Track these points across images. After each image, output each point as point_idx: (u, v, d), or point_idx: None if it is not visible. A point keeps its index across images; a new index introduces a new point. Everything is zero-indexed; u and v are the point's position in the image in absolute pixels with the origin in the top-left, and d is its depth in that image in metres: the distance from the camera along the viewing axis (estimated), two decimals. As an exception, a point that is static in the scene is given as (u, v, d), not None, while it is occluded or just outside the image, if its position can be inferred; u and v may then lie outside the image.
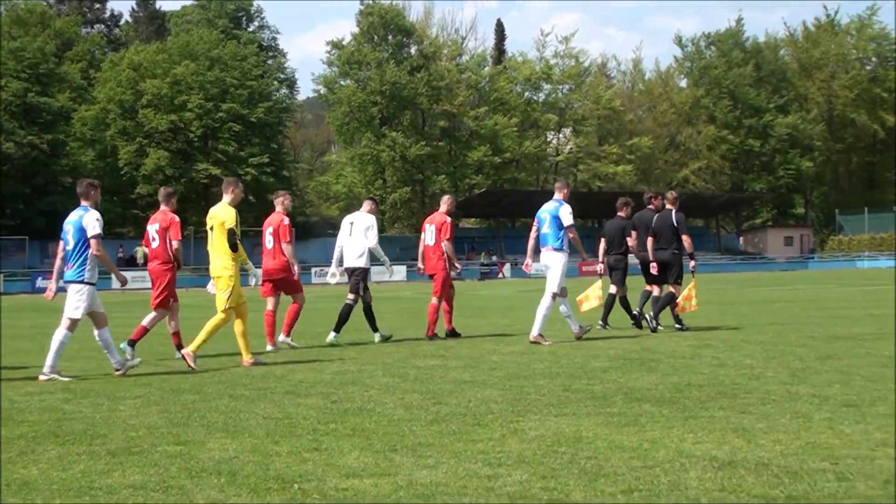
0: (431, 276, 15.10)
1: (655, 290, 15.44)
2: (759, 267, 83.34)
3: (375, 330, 14.88)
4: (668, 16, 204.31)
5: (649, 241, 15.28)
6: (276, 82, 79.95)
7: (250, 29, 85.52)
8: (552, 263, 13.77)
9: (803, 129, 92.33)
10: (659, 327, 15.11)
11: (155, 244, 12.63)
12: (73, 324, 10.91)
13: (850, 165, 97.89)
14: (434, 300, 14.95)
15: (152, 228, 12.69)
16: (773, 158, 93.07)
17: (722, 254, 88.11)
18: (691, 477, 5.33)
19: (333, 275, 15.29)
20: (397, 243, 78.85)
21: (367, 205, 15.10)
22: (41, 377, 10.65)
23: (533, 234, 14.24)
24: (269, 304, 14.13)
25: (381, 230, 70.10)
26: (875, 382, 8.55)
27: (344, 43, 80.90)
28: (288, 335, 14.08)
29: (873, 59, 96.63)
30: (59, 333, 10.82)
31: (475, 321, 18.86)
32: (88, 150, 67.62)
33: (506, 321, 19.07)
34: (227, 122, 68.60)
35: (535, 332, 13.49)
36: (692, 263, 15.38)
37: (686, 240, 15.15)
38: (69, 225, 11.09)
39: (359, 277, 14.71)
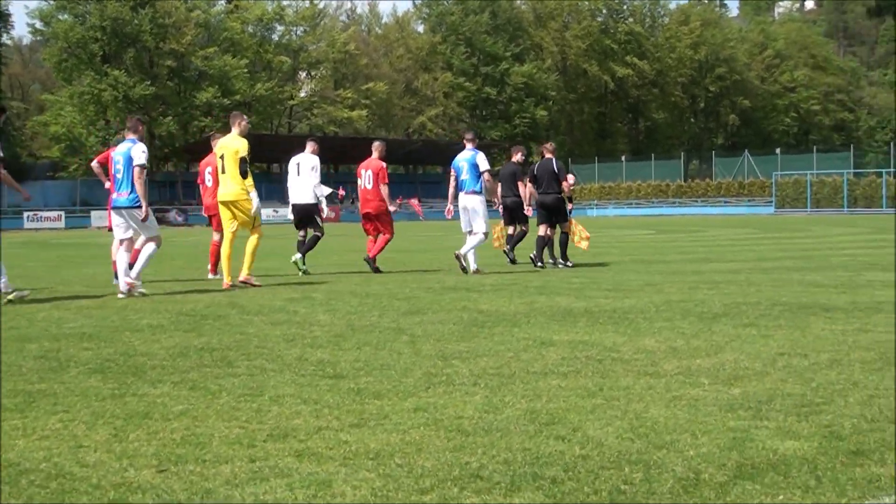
0: (372, 217, 17.03)
1: (542, 231, 17.38)
2: (493, 214, 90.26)
3: (302, 256, 16.53)
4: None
5: (529, 185, 17.50)
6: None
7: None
8: (475, 206, 15.98)
9: (539, 79, 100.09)
10: (568, 264, 17.46)
11: None
12: (158, 239, 13.03)
13: (583, 115, 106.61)
14: (388, 235, 17.01)
15: None
16: (509, 107, 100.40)
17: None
18: None
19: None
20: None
21: (310, 146, 16.78)
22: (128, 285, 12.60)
23: (452, 183, 16.40)
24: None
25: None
26: (412, 346, 8.03)
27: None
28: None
29: (604, 10, 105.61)
30: (149, 247, 12.88)
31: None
32: None
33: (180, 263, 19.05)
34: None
35: (473, 266, 15.84)
36: (569, 206, 17.65)
37: (564, 184, 17.37)
38: (119, 155, 12.72)
39: (310, 213, 16.61)
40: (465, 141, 16.80)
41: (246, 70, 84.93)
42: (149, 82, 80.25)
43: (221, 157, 13.99)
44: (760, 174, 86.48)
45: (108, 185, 14.12)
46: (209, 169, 15.79)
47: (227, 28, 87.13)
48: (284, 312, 10.82)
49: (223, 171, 13.91)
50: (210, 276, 15.91)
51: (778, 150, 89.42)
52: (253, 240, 14.08)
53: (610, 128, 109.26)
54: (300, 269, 16.33)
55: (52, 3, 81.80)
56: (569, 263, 17.51)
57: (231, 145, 13.87)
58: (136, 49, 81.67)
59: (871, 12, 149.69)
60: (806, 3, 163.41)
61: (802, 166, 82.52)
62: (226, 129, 14.89)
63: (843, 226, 44.20)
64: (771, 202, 79.62)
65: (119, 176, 12.51)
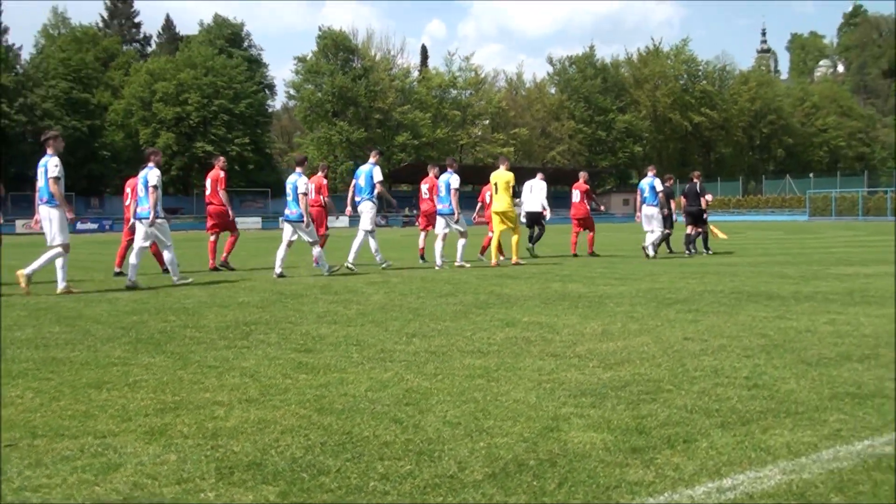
0: (580, 220, 17.67)
1: (690, 230, 18.01)
2: (602, 220, 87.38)
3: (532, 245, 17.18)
4: (562, 46, 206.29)
5: (682, 200, 18.27)
6: (256, 86, 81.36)
7: (243, 46, 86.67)
8: (653, 214, 16.26)
9: (636, 125, 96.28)
10: (709, 251, 17.83)
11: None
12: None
13: (668, 150, 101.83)
14: (591, 233, 17.64)
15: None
16: (615, 144, 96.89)
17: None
18: None
19: (520, 215, 17.05)
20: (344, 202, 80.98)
21: (539, 175, 17.19)
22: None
23: (639, 199, 16.68)
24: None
25: (332, 191, 73.62)
26: (406, 324, 6.23)
27: (307, 58, 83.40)
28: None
29: (685, 75, 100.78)
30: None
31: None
32: (119, 132, 69.87)
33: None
34: (219, 113, 71.06)
35: (650, 252, 16.21)
36: (705, 215, 17.93)
37: (703, 201, 17.72)
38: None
39: (536, 218, 17.03)
40: (647, 170, 17.04)
41: (429, 120, 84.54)
42: (363, 129, 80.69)
43: (496, 184, 14.60)
44: (798, 192, 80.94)
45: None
46: (489, 193, 15.90)
47: (417, 92, 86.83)
48: (354, 293, 9.74)
49: (496, 192, 14.58)
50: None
51: (811, 175, 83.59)
52: (515, 237, 14.73)
53: (688, 159, 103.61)
54: (532, 255, 16.92)
55: (299, 77, 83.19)
56: (709, 251, 17.97)
57: (504, 177, 14.60)
58: (355, 107, 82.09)
59: (885, 74, 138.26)
60: (838, 67, 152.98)
61: (830, 186, 76.98)
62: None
63: (853, 230, 40.36)
64: (805, 212, 74.42)
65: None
